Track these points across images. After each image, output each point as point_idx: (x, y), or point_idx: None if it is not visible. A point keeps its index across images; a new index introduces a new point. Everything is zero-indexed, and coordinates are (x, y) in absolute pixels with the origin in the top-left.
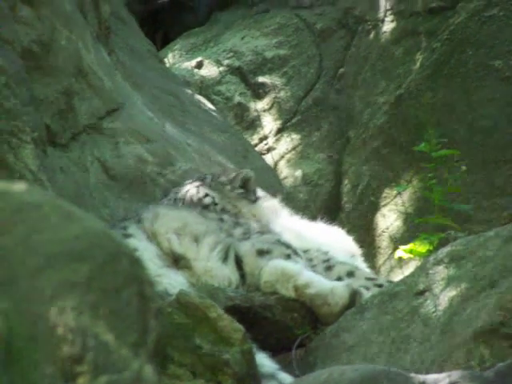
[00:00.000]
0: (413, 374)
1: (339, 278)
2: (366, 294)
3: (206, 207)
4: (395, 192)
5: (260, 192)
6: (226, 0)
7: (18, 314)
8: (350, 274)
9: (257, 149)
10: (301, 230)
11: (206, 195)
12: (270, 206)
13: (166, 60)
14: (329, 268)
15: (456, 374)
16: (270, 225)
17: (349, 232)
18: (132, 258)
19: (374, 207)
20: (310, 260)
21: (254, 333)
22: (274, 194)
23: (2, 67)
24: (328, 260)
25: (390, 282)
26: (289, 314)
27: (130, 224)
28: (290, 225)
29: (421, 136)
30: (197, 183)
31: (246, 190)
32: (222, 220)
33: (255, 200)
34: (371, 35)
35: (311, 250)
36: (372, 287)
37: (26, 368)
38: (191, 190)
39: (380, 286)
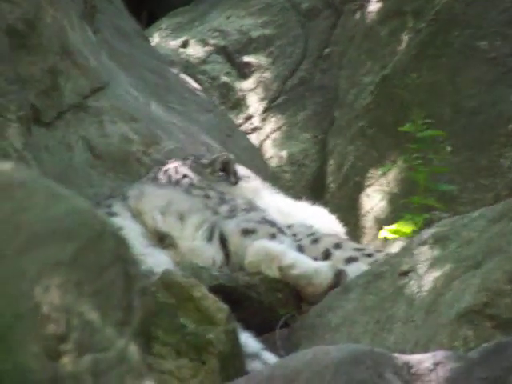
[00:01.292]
0: (397, 354)
1: (326, 250)
2: (356, 265)
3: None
4: (380, 172)
5: (243, 171)
6: None
7: (2, 292)
8: (338, 246)
9: (242, 128)
10: (284, 206)
11: (185, 176)
12: (252, 188)
13: (151, 39)
14: (315, 241)
15: (440, 355)
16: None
17: (333, 212)
18: (117, 237)
19: (359, 187)
20: (295, 235)
21: (239, 312)
22: (258, 174)
23: None
24: (313, 233)
25: (379, 251)
26: (273, 293)
27: (115, 202)
28: (273, 203)
29: (406, 116)
30: (177, 163)
31: (226, 172)
32: (207, 197)
33: (235, 183)
34: (357, 15)
35: (295, 224)
36: (361, 257)
37: (11, 347)
38: (170, 170)
39: (369, 255)
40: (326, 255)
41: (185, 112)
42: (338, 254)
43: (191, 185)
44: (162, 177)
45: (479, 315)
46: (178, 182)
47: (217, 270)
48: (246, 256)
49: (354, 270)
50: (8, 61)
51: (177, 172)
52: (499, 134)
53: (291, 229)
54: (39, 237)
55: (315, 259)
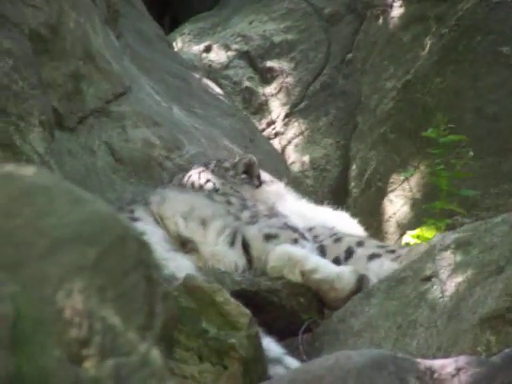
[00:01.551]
0: (419, 360)
1: (349, 248)
2: (379, 261)
3: None
4: (402, 177)
5: (266, 176)
6: None
7: (25, 297)
8: (360, 244)
9: (264, 133)
10: (306, 210)
11: (208, 181)
12: (274, 191)
13: (174, 44)
14: (337, 240)
15: (462, 360)
16: (276, 207)
17: (356, 217)
18: (139, 241)
19: (382, 192)
20: (317, 236)
21: (261, 317)
22: (280, 179)
23: (10, 50)
24: (335, 234)
25: (402, 248)
26: (295, 298)
27: (138, 207)
28: (295, 207)
29: (428, 121)
30: (199, 169)
31: (249, 175)
32: (229, 203)
33: (259, 185)
34: (380, 20)
35: (317, 226)
36: (384, 253)
37: (34, 351)
38: (193, 175)
39: (392, 251)
40: (349, 253)
41: (207, 117)
42: (361, 252)
43: (213, 191)
44: (185, 182)
45: (502, 320)
46: (201, 188)
47: (239, 274)
48: (268, 261)
49: (377, 266)
50: (31, 66)
51: (200, 177)
52: None
53: (313, 230)
54: (62, 241)
55: (338, 258)
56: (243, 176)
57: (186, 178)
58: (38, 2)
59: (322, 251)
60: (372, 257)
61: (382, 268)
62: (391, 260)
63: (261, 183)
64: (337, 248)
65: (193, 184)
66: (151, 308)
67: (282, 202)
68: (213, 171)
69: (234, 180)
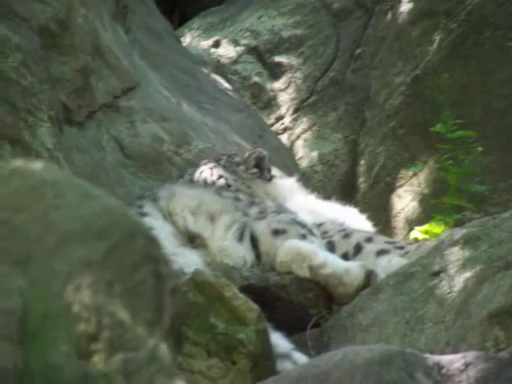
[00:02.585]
0: (427, 355)
1: (358, 244)
2: (387, 257)
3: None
4: (411, 173)
5: (275, 171)
6: None
7: (34, 291)
8: (369, 240)
9: (273, 128)
10: (315, 206)
11: (220, 177)
12: (285, 185)
13: (183, 39)
14: (346, 236)
15: (471, 355)
16: (285, 203)
17: (364, 212)
18: (148, 236)
19: (390, 188)
20: (326, 232)
21: (269, 312)
22: (289, 174)
23: (19, 45)
24: (344, 229)
25: (411, 243)
26: (304, 293)
27: (146, 203)
28: (305, 203)
29: (437, 117)
30: (211, 164)
31: (260, 169)
32: (237, 199)
33: (270, 179)
34: (388, 15)
35: (326, 222)
36: (392, 249)
37: (42, 346)
38: (205, 171)
39: (401, 247)
40: (358, 249)
41: (216, 112)
42: (370, 248)
43: (226, 186)
44: (197, 179)
45: (510, 316)
46: (213, 184)
47: (247, 270)
48: (277, 256)
49: (385, 262)
50: (40, 61)
51: (212, 173)
52: None
53: (322, 226)
54: (70, 236)
55: (347, 253)
56: (254, 170)
57: (197, 173)
58: None
59: (331, 247)
60: (380, 253)
61: (390, 264)
62: (399, 256)
63: (272, 177)
64: (346, 244)
65: (205, 180)
66: (160, 303)
67: (292, 198)
68: (224, 166)
69: (245, 175)
